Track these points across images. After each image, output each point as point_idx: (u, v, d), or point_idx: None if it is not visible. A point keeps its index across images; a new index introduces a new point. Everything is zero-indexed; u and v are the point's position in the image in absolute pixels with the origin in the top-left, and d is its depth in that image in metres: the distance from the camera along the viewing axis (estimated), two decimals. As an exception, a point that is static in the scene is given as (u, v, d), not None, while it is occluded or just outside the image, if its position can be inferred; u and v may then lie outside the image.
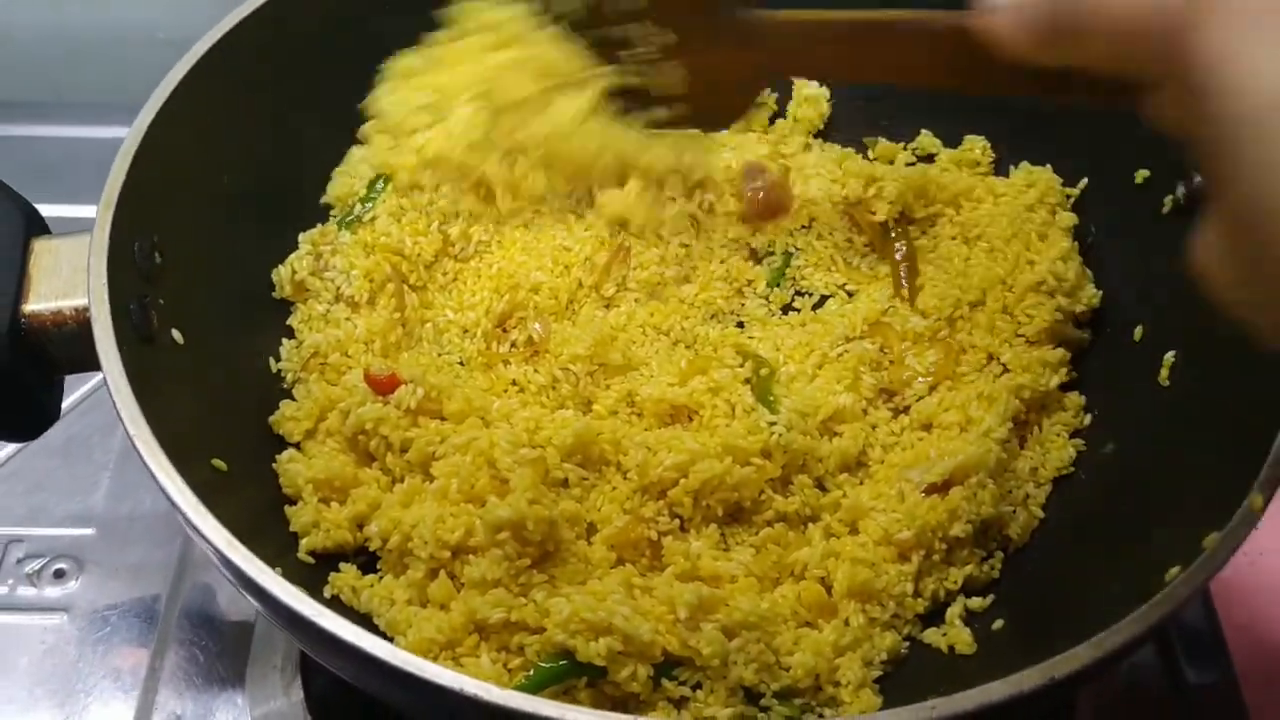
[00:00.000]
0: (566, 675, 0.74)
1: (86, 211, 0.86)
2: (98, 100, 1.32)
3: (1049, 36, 0.63)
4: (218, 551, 0.67)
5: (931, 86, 0.95)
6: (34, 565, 0.98)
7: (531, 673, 0.75)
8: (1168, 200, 0.93)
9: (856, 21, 0.85)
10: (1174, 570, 0.70)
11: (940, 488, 0.86)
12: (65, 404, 0.86)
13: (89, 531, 1.01)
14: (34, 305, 0.78)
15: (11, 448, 1.05)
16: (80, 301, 0.78)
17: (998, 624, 0.85)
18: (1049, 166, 1.06)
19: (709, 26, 0.90)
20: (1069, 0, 0.61)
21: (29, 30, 1.37)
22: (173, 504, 0.69)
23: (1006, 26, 0.65)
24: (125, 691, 0.92)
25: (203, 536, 0.67)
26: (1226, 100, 0.51)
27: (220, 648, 0.94)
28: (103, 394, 1.07)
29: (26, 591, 0.97)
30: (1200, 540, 0.70)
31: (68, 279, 0.79)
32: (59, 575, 0.98)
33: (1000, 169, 1.09)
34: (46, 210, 0.85)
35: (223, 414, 0.89)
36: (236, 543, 0.66)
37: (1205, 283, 0.58)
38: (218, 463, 0.82)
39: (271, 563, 0.67)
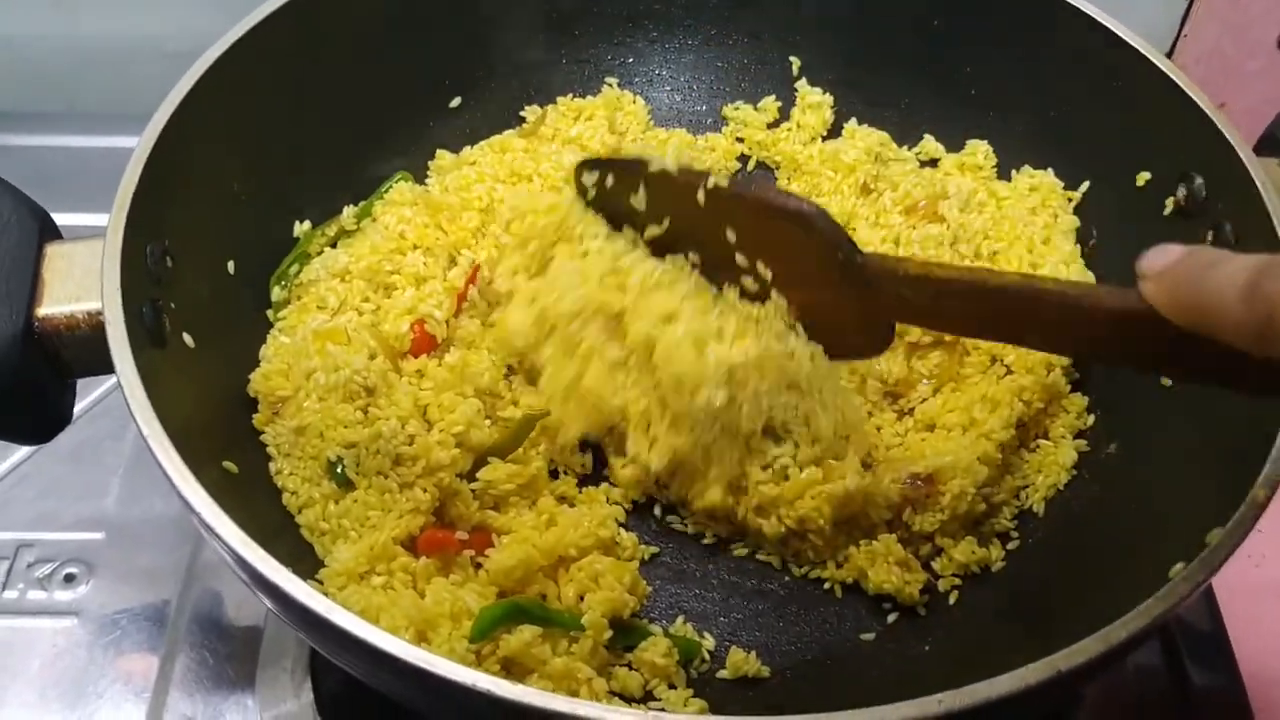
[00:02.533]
0: (510, 617, 0.77)
1: (96, 220, 0.87)
2: (107, 111, 1.33)
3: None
4: (233, 553, 0.67)
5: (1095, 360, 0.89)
6: (45, 569, 0.99)
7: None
8: (1169, 202, 0.94)
9: (994, 287, 0.71)
10: (1178, 567, 0.70)
11: (925, 480, 0.88)
12: (75, 409, 0.86)
13: (99, 536, 1.01)
14: (47, 309, 0.79)
15: (22, 452, 1.05)
16: (93, 305, 0.78)
17: (999, 620, 0.86)
18: (1050, 170, 1.07)
19: (813, 268, 0.78)
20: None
21: (40, 42, 1.38)
22: (189, 507, 0.69)
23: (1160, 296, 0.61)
24: (136, 695, 0.92)
25: (219, 539, 0.67)
26: None
27: (230, 650, 0.94)
28: (112, 399, 1.09)
29: (37, 595, 0.97)
30: (1203, 537, 0.71)
31: (80, 283, 0.79)
32: (69, 579, 0.98)
33: (1003, 173, 1.10)
34: (57, 219, 0.85)
35: (231, 416, 0.90)
36: (252, 543, 0.67)
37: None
38: (228, 464, 0.83)
39: (285, 561, 0.68)
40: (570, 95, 1.18)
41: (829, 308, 0.80)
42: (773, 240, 0.80)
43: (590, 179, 0.90)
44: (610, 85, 1.19)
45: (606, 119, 1.14)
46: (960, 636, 0.87)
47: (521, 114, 1.17)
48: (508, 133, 1.13)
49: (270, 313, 0.97)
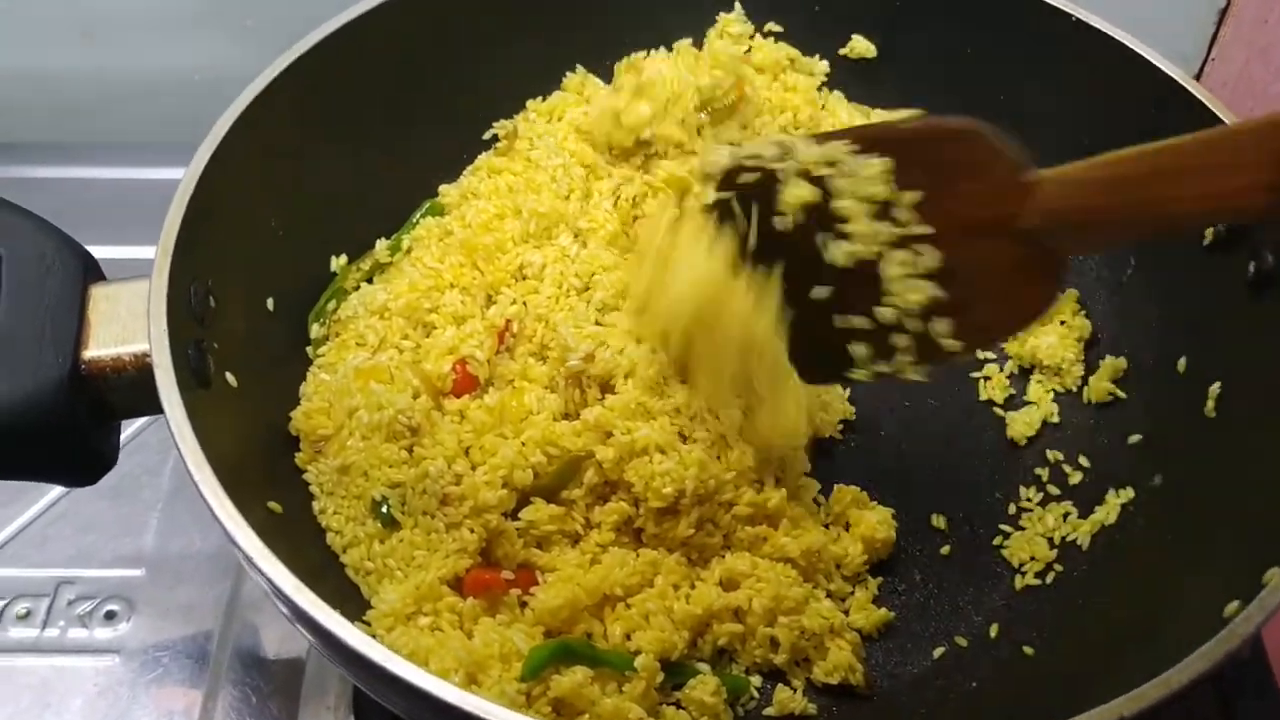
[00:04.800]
0: (559, 658, 0.77)
1: (128, 251, 0.88)
2: (137, 142, 1.34)
3: None
4: (285, 597, 0.67)
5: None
6: (85, 607, 0.99)
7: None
8: (1209, 232, 0.94)
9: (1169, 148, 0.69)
10: (1233, 606, 0.70)
11: None
12: (114, 447, 0.86)
13: (139, 572, 1.01)
14: (94, 352, 0.79)
15: (59, 490, 1.05)
16: (139, 347, 0.78)
17: (1044, 656, 0.86)
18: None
19: (976, 200, 0.74)
20: None
21: (70, 74, 1.38)
22: (239, 549, 0.69)
23: None
24: (178, 732, 0.92)
25: (270, 582, 0.67)
26: None
27: (272, 687, 0.94)
28: (150, 435, 1.09)
29: (78, 633, 0.97)
30: (1260, 574, 0.71)
31: (126, 325, 0.80)
32: (110, 617, 0.98)
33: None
34: (89, 250, 0.85)
35: (273, 454, 0.90)
36: (304, 588, 0.67)
37: None
38: (273, 505, 0.83)
39: (331, 602, 0.68)
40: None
41: (989, 258, 0.76)
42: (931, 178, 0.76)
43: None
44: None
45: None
46: (1007, 673, 0.86)
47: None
48: (482, 156, 1.12)
49: (310, 349, 0.97)
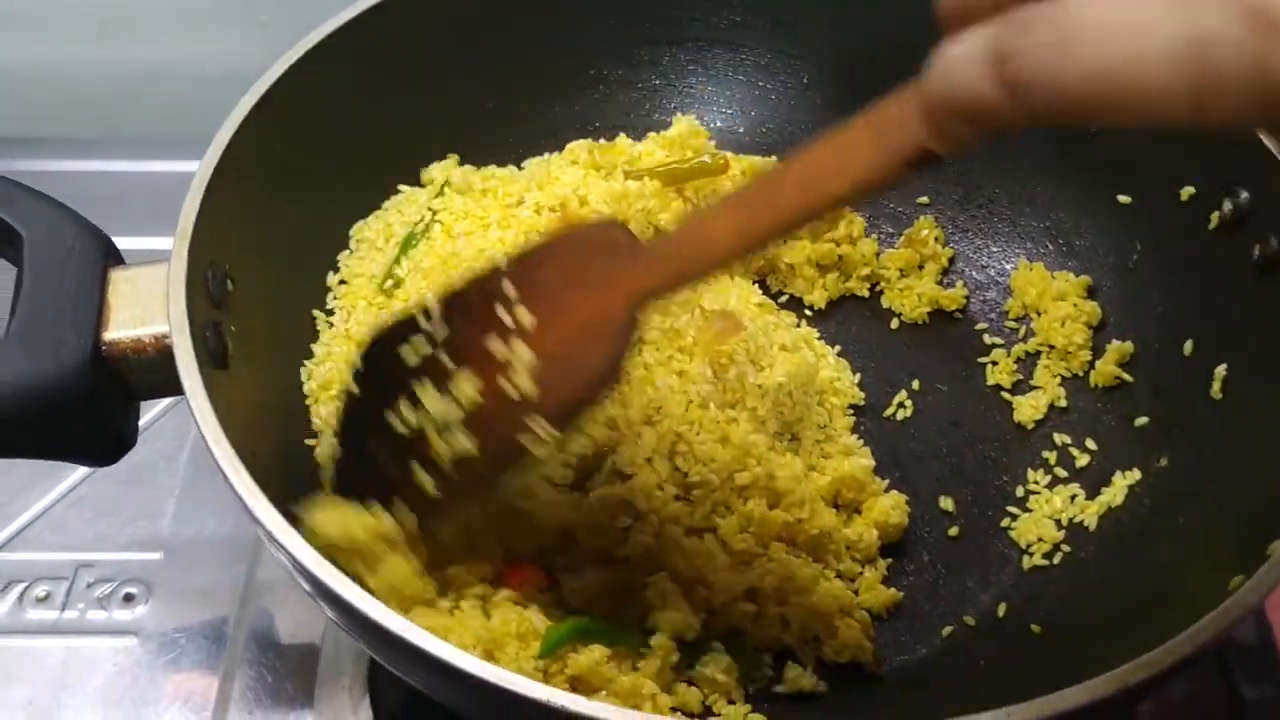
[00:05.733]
0: (577, 636, 0.78)
1: (145, 243, 0.89)
2: (153, 135, 1.35)
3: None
4: (303, 569, 0.68)
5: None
6: (104, 589, 1.00)
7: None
8: (1214, 216, 0.94)
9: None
10: (1238, 579, 0.70)
11: None
12: (132, 431, 0.88)
13: (157, 556, 1.02)
14: (114, 333, 0.80)
15: (78, 474, 1.06)
16: (159, 329, 0.80)
17: (1051, 633, 0.87)
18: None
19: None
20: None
21: (86, 68, 1.40)
22: (258, 524, 0.70)
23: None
24: (196, 713, 0.93)
25: (290, 555, 0.68)
26: None
27: (288, 668, 0.95)
28: (166, 420, 1.11)
29: (97, 615, 0.99)
30: (1263, 548, 0.71)
31: (146, 307, 0.81)
32: (128, 599, 1.00)
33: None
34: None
35: (287, 434, 0.91)
36: (324, 560, 0.68)
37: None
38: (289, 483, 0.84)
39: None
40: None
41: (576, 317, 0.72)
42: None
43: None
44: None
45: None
46: (1015, 651, 0.87)
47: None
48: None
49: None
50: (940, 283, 1.12)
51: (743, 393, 0.95)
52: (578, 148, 1.12)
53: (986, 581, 0.93)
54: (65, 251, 0.82)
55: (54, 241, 0.82)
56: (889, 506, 0.94)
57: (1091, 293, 1.06)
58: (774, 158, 1.16)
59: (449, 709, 0.74)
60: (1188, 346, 0.95)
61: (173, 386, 0.77)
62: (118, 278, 0.83)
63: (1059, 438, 1.01)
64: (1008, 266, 1.12)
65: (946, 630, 0.90)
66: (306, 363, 0.96)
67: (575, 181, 1.06)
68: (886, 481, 0.97)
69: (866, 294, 1.12)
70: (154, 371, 0.80)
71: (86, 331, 0.79)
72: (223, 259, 0.86)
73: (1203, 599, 0.70)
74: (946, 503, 0.98)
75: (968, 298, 1.11)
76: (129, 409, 0.84)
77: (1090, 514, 0.94)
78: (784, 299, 1.12)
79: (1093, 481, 0.97)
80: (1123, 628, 0.81)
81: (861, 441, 1.00)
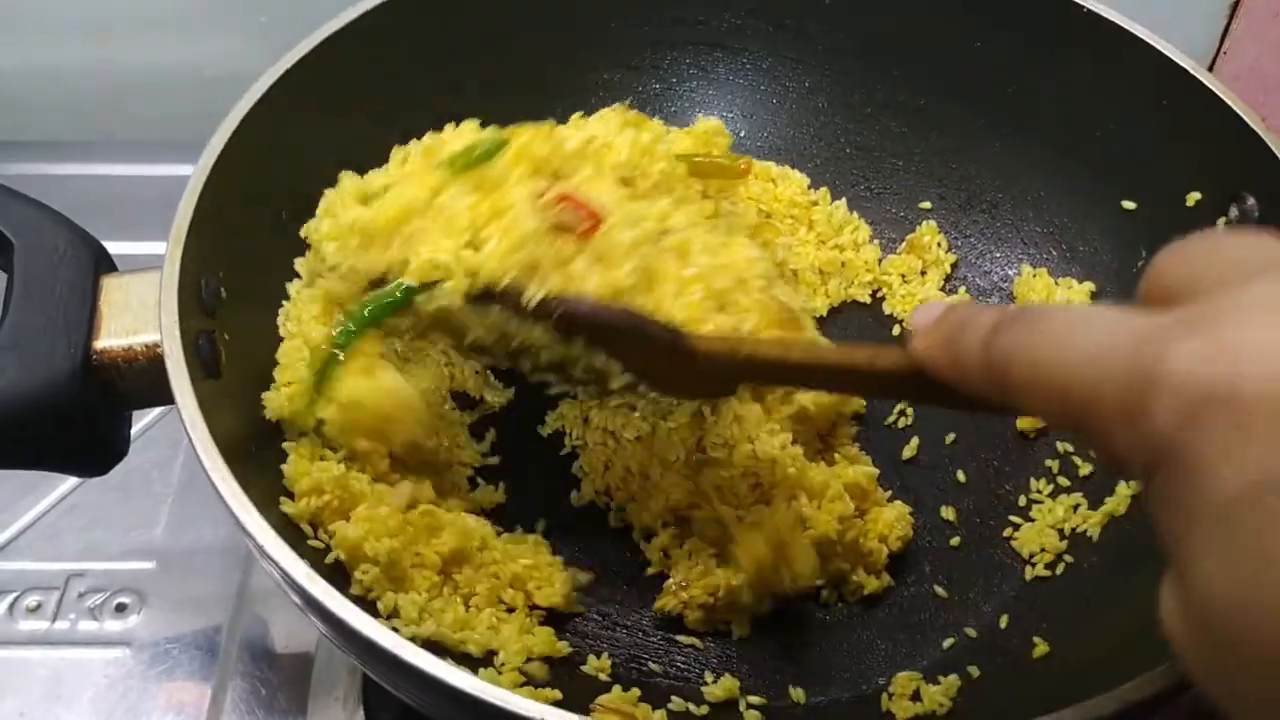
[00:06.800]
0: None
1: (138, 248, 0.88)
2: (147, 139, 1.34)
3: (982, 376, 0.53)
4: (294, 583, 0.67)
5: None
6: (96, 599, 0.99)
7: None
8: (1221, 222, 0.94)
9: (794, 363, 0.72)
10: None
11: None
12: (124, 439, 0.87)
13: (149, 565, 1.01)
14: (105, 342, 0.79)
15: (70, 483, 1.05)
16: (151, 337, 0.78)
17: (1053, 646, 0.86)
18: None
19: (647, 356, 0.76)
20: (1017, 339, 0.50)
21: (80, 72, 1.39)
22: (249, 537, 0.69)
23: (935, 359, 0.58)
24: (188, 723, 0.92)
25: (281, 569, 0.67)
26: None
27: (281, 679, 0.94)
28: (159, 429, 1.10)
29: (89, 626, 0.98)
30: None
31: (138, 315, 0.80)
32: (120, 609, 0.99)
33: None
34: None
35: (279, 446, 0.90)
36: (315, 575, 0.67)
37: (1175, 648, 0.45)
38: (280, 495, 0.83)
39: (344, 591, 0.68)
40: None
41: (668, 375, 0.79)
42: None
43: None
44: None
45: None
46: (1018, 663, 0.86)
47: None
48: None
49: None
50: (943, 289, 1.11)
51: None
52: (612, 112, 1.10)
53: (989, 592, 0.93)
54: (56, 258, 0.81)
55: (45, 248, 0.81)
56: (894, 518, 0.93)
57: (1096, 299, 1.05)
58: (774, 162, 1.15)
59: (442, 723, 0.73)
60: (1191, 354, 0.93)
61: (165, 396, 0.76)
62: (110, 285, 0.82)
63: (1061, 446, 1.00)
64: (1011, 272, 1.11)
65: (948, 642, 0.89)
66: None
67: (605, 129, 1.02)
68: (889, 491, 0.96)
69: (869, 300, 1.11)
70: (146, 381, 0.79)
71: (77, 340, 0.78)
72: (216, 267, 0.85)
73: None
74: (948, 512, 0.97)
75: (971, 304, 1.10)
76: (120, 418, 0.83)
77: (1093, 523, 0.93)
78: (785, 305, 1.11)
79: (1096, 491, 0.96)
80: (1126, 640, 0.80)
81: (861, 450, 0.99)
